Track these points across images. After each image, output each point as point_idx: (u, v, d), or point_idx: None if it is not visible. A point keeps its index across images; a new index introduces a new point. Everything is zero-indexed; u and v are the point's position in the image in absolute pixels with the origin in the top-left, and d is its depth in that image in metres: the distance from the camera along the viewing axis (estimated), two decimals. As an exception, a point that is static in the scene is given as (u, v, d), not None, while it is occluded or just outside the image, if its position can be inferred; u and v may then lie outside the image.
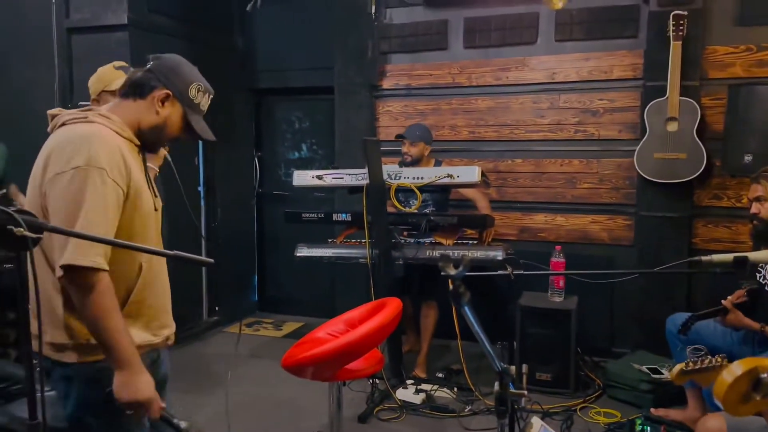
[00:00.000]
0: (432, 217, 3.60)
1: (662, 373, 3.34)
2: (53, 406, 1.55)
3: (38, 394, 1.17)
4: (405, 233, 3.85)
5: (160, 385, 1.78)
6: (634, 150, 3.83)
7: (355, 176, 3.69)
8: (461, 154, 4.47)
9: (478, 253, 3.53)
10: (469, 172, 3.56)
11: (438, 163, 3.99)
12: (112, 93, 2.10)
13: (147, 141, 1.68)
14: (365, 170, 3.52)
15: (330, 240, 4.02)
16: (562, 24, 4.16)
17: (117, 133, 1.60)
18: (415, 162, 3.90)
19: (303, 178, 3.87)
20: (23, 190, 1.99)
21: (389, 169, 3.70)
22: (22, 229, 1.09)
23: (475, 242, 3.76)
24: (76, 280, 1.45)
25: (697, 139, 3.66)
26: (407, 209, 3.75)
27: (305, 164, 5.22)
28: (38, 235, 1.12)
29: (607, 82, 4.11)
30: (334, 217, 3.84)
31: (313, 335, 2.63)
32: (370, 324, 2.35)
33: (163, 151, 2.08)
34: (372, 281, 3.58)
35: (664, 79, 3.70)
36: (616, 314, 4.15)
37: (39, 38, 4.08)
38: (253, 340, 4.71)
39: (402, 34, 4.55)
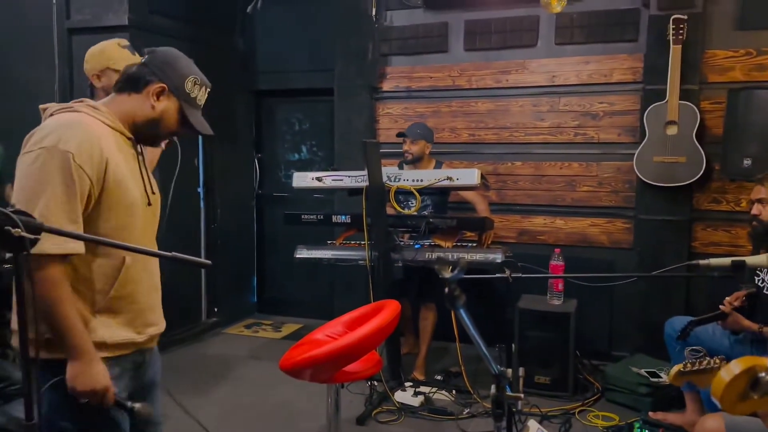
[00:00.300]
0: (431, 220, 3.60)
1: (661, 377, 3.34)
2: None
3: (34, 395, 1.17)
4: (406, 236, 3.85)
5: (147, 390, 1.76)
6: (634, 153, 3.83)
7: (354, 178, 3.70)
8: (461, 156, 4.48)
9: (477, 256, 3.53)
10: (468, 175, 3.56)
11: (439, 165, 3.99)
12: (117, 72, 2.05)
13: (144, 135, 1.67)
14: (365, 172, 3.53)
15: (329, 242, 4.01)
16: (563, 27, 4.17)
17: (106, 124, 1.58)
18: (416, 160, 3.90)
19: (303, 179, 3.87)
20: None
21: (389, 171, 3.70)
22: (19, 230, 1.09)
23: (475, 245, 3.76)
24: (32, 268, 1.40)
25: (696, 142, 3.67)
26: (406, 211, 3.75)
27: (305, 166, 5.22)
28: (36, 236, 1.12)
29: (607, 86, 4.11)
30: (334, 218, 3.84)
31: (311, 337, 2.63)
32: (367, 326, 2.35)
33: (158, 150, 2.03)
34: (371, 283, 3.58)
35: (664, 83, 3.70)
36: (615, 317, 4.15)
37: (39, 39, 4.09)
38: (252, 341, 4.71)
39: (402, 37, 4.56)
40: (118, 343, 1.59)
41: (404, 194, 3.73)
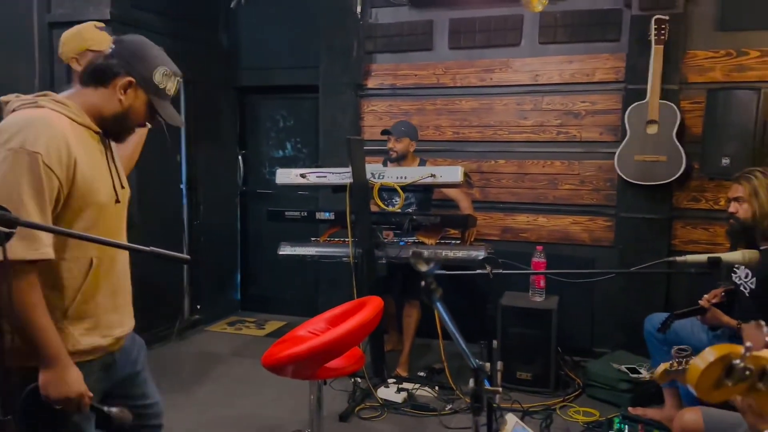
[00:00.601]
0: (415, 217, 3.61)
1: (641, 373, 3.38)
2: None
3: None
4: (390, 234, 3.86)
5: (129, 381, 1.76)
6: (615, 152, 3.87)
7: (338, 175, 3.69)
8: (445, 154, 4.49)
9: (460, 253, 3.54)
10: (452, 172, 3.57)
11: (423, 162, 4.00)
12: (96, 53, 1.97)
13: (111, 130, 1.62)
14: (349, 169, 3.53)
15: (313, 239, 4.01)
16: (546, 27, 4.20)
17: (72, 119, 1.53)
18: (401, 158, 3.91)
19: (287, 176, 3.86)
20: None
21: (373, 168, 3.70)
22: (-6, 224, 1.08)
23: (458, 242, 3.78)
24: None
25: (676, 142, 3.71)
26: (390, 208, 3.76)
27: (289, 162, 5.21)
28: (11, 230, 1.11)
29: (589, 85, 4.15)
30: (318, 215, 3.83)
31: (293, 333, 2.63)
32: (349, 323, 2.35)
33: (135, 137, 1.95)
34: (355, 280, 3.58)
35: (645, 83, 3.74)
36: (597, 314, 4.19)
37: (19, 32, 4.03)
38: (235, 339, 4.69)
39: (387, 34, 4.56)
40: (85, 350, 1.56)
41: (388, 191, 3.74)
